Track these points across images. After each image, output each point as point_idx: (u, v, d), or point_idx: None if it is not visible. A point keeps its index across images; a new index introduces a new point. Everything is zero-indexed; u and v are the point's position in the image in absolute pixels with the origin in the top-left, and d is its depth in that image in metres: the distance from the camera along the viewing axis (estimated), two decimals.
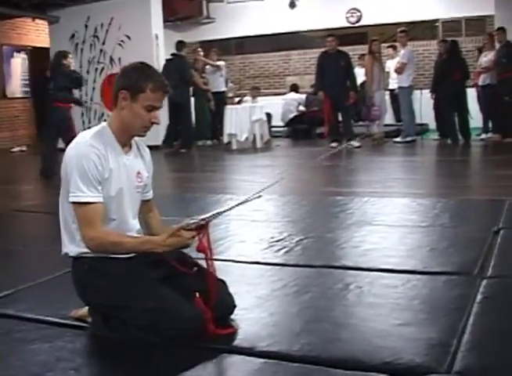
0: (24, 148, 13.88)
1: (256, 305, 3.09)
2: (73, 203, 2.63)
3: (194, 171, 9.94)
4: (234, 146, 11.79)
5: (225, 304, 2.81)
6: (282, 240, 4.38)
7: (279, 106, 13.98)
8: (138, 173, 2.85)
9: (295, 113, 13.88)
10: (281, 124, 14.16)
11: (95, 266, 2.71)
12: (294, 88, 14.24)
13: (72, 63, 9.33)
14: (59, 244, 2.84)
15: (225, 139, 12.09)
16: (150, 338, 2.59)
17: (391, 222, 4.90)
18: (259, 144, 11.95)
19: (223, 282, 2.88)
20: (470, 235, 4.41)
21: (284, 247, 4.18)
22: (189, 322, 2.56)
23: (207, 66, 13.20)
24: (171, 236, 2.59)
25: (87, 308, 2.90)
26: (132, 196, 2.83)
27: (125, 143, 2.80)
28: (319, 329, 2.75)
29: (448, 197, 6.00)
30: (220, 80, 13.27)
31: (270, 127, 13.27)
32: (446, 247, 4.11)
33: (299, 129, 13.84)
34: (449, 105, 11.01)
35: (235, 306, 2.86)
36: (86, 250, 2.71)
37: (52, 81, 9.12)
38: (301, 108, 13.92)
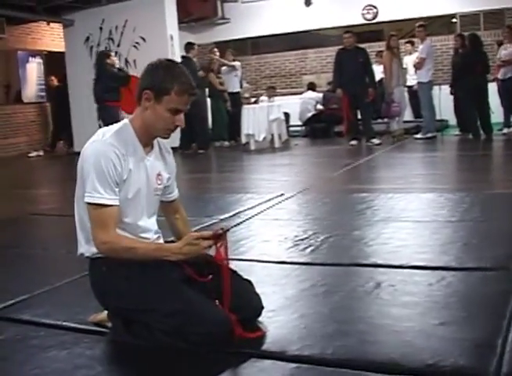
0: (41, 153, 13.82)
1: (284, 306, 2.93)
2: (88, 203, 2.48)
3: (212, 172, 9.81)
4: (252, 147, 11.64)
5: (252, 305, 2.65)
6: (307, 238, 4.21)
7: (297, 105, 13.84)
8: (159, 175, 2.70)
9: (313, 112, 13.72)
10: (299, 123, 13.99)
11: (113, 267, 2.54)
12: (312, 87, 14.08)
13: (116, 61, 9.60)
14: (76, 247, 2.71)
15: (243, 140, 11.94)
16: (175, 343, 2.44)
17: (419, 218, 4.73)
18: (277, 144, 11.80)
19: (249, 282, 2.73)
20: (503, 229, 4.26)
21: (310, 246, 4.01)
22: (217, 325, 2.40)
23: (223, 67, 13.06)
24: (188, 244, 2.45)
25: (106, 312, 2.74)
26: (150, 198, 2.68)
27: (147, 143, 2.65)
28: (353, 330, 2.58)
29: (474, 191, 5.81)
30: (235, 80, 13.13)
31: (288, 126, 13.12)
32: (479, 241, 3.95)
33: (317, 128, 13.69)
34: (470, 99, 10.79)
35: (262, 307, 2.69)
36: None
37: (98, 82, 9.36)
38: (319, 107, 13.76)
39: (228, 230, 2.53)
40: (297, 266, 3.60)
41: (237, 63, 13.29)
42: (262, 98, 13.22)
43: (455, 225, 4.46)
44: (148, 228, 2.68)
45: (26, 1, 12.23)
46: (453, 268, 3.38)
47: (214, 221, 4.98)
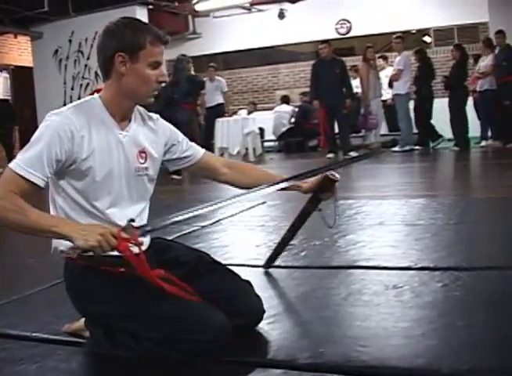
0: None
1: (286, 311, 2.62)
2: (9, 168, 2.06)
3: (187, 184, 9.44)
4: None
5: (253, 307, 2.31)
6: (298, 243, 3.88)
7: (270, 120, 13.57)
8: (141, 152, 2.31)
9: (288, 126, 13.46)
10: (272, 138, 13.72)
11: (92, 266, 2.18)
12: (286, 100, 13.85)
13: (192, 67, 9.80)
14: (45, 256, 2.34)
15: (217, 153, 11.61)
16: (167, 354, 2.07)
17: (414, 221, 4.45)
18: (252, 158, 11.50)
19: (248, 283, 2.39)
20: (504, 230, 4.01)
21: (303, 250, 3.70)
22: (217, 332, 2.04)
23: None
24: (101, 235, 1.92)
25: (83, 320, 2.37)
26: (130, 180, 2.28)
27: (123, 117, 2.27)
28: (369, 335, 2.25)
29: (466, 196, 5.58)
30: (217, 93, 12.74)
31: (262, 141, 12.85)
32: (484, 242, 3.82)
33: (292, 142, 13.43)
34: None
35: (264, 311, 2.35)
36: None
37: (176, 86, 9.53)
38: (293, 120, 13.51)
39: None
40: (293, 270, 3.27)
41: (221, 79, 12.91)
42: (241, 112, 12.90)
43: (455, 227, 4.20)
44: (128, 216, 2.18)
45: None
46: (465, 268, 3.09)
47: (196, 228, 4.66)
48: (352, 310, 2.57)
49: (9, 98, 12.72)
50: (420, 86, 11.14)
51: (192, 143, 2.54)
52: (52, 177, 2.17)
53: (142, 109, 2.38)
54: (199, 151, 2.53)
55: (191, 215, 2.15)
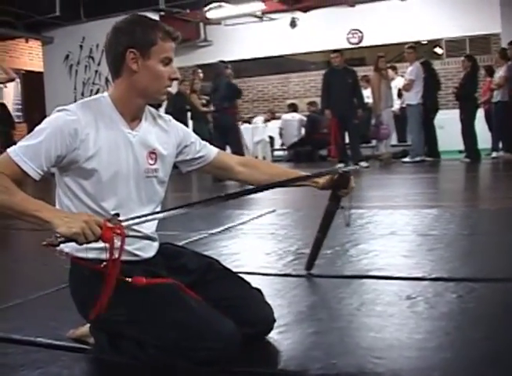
0: None
1: (296, 320, 2.52)
2: (7, 154, 1.99)
3: (198, 191, 9.39)
4: None
5: (263, 316, 2.23)
6: (309, 252, 3.80)
7: (279, 127, 13.50)
8: (151, 153, 2.23)
9: (299, 137, 13.35)
10: (281, 147, 13.64)
11: (98, 271, 2.10)
12: (294, 109, 13.77)
13: (231, 74, 10.16)
14: (50, 260, 2.27)
15: None
16: (174, 361, 1.99)
17: (426, 232, 4.37)
18: None
19: (259, 291, 2.31)
20: None
21: None
22: (226, 341, 1.96)
23: None
24: (85, 222, 1.81)
25: (88, 325, 2.29)
26: (140, 181, 2.21)
27: (133, 117, 2.20)
28: (383, 346, 2.17)
29: (478, 207, 5.49)
30: None
31: (272, 150, 12.79)
32: (499, 253, 3.70)
33: (301, 152, 13.33)
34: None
35: (275, 320, 2.27)
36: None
37: (216, 91, 10.02)
38: (303, 130, 13.43)
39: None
40: (304, 279, 3.19)
41: None
42: (256, 120, 12.83)
43: (468, 238, 4.14)
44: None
45: (4, 16, 11.85)
46: (480, 279, 3.01)
47: (204, 235, 4.59)
48: (366, 320, 2.49)
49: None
50: (425, 97, 11.04)
51: (206, 143, 2.47)
52: (57, 176, 2.12)
53: (153, 109, 2.32)
54: (212, 151, 2.46)
55: (174, 211, 2.06)
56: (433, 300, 2.70)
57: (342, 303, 2.74)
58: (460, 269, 3.26)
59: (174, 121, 2.40)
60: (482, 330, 2.30)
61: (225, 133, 9.97)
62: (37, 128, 2.05)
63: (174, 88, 11.90)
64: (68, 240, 1.82)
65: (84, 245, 1.88)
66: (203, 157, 2.43)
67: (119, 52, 2.13)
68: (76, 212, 2.03)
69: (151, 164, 2.23)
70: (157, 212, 2.20)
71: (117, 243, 1.90)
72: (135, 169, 2.19)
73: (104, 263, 1.99)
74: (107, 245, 1.88)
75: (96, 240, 1.85)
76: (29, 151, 1.99)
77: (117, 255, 1.91)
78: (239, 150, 10.15)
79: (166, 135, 2.31)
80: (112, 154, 2.12)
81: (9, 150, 2.00)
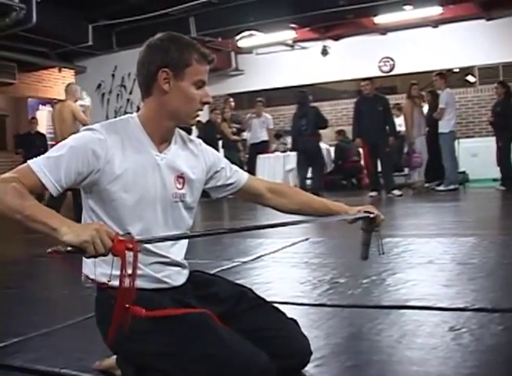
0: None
1: (333, 352, 2.39)
2: (28, 162, 1.90)
3: (230, 220, 9.30)
4: None
5: (299, 348, 2.09)
6: (345, 281, 3.69)
7: None
8: (179, 177, 2.14)
9: (331, 167, 13.22)
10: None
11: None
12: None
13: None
14: (80, 288, 2.19)
15: None
16: None
17: (465, 260, 4.19)
18: None
19: (294, 321, 2.18)
20: None
21: (350, 288, 3.49)
22: (260, 374, 1.84)
23: (248, 115, 12.72)
24: (95, 229, 1.68)
25: (115, 357, 2.19)
26: (167, 206, 2.10)
27: (161, 139, 2.11)
28: None
29: None
30: (262, 130, 12.68)
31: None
32: None
33: (332, 180, 13.18)
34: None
35: (311, 353, 2.14)
36: (113, 271, 2.00)
37: (304, 118, 10.81)
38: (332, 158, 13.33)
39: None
40: (339, 309, 3.06)
41: (268, 116, 12.86)
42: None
43: (509, 267, 3.95)
44: (162, 245, 2.05)
45: (38, 46, 12.00)
46: None
47: (236, 264, 4.49)
48: (407, 353, 2.34)
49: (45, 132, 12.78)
50: (431, 125, 11.01)
51: (237, 168, 2.37)
52: (83, 199, 2.03)
53: (183, 132, 2.22)
54: (243, 176, 2.36)
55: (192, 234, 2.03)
56: (478, 332, 2.55)
57: (381, 335, 2.60)
58: (504, 299, 3.11)
59: (204, 145, 2.31)
60: None
61: (309, 157, 10.89)
62: (61, 144, 1.97)
63: (204, 117, 11.93)
64: (76, 250, 1.67)
65: (109, 271, 1.79)
66: (234, 183, 2.34)
67: (151, 71, 2.04)
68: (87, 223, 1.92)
69: (179, 189, 2.14)
70: (177, 236, 2.08)
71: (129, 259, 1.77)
72: (163, 193, 2.09)
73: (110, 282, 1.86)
74: (119, 259, 1.75)
75: (106, 254, 1.70)
76: (49, 163, 1.91)
77: (129, 271, 1.77)
78: (321, 172, 11.29)
79: (195, 160, 2.21)
80: (138, 177, 2.03)
81: (30, 160, 1.92)
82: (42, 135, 12.93)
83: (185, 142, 2.21)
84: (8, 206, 1.76)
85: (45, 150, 2.18)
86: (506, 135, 10.53)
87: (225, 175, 2.32)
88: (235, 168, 2.37)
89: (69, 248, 1.66)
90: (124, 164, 1.99)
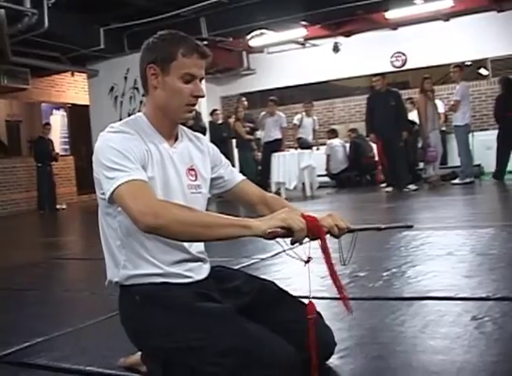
0: (64, 206, 13.43)
1: (357, 344, 2.40)
2: (112, 194, 1.91)
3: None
4: (283, 195, 11.14)
5: (323, 340, 2.06)
6: (365, 274, 3.69)
7: (324, 154, 13.38)
8: (191, 169, 2.16)
9: (347, 163, 13.21)
10: (325, 172, 13.47)
11: (149, 295, 2.02)
12: (336, 134, 13.66)
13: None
14: (100, 288, 2.20)
15: (273, 188, 11.46)
16: None
17: (485, 251, 4.18)
18: (309, 192, 11.29)
19: (318, 313, 2.18)
20: None
21: (371, 281, 3.49)
22: (287, 367, 1.83)
23: (262, 114, 12.70)
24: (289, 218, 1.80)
25: (140, 354, 2.21)
26: (186, 197, 2.12)
27: (168, 133, 2.13)
28: (456, 369, 2.02)
29: None
30: (276, 128, 12.65)
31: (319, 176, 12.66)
32: None
33: (348, 177, 13.17)
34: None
35: (335, 344, 2.14)
36: (135, 272, 2.04)
37: None
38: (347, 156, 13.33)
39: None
40: (361, 302, 3.06)
41: (281, 114, 12.84)
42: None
43: None
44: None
45: (50, 51, 12.06)
46: None
47: (255, 261, 4.50)
48: (432, 343, 2.34)
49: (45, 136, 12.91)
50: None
51: (233, 168, 2.38)
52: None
53: (185, 127, 2.24)
54: (237, 177, 2.36)
55: None
56: (501, 320, 2.55)
57: (404, 325, 2.60)
58: None
59: (206, 139, 2.33)
60: None
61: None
62: (98, 157, 1.96)
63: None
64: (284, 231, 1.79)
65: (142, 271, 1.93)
66: (226, 181, 2.33)
67: (143, 69, 2.09)
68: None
69: (192, 181, 2.16)
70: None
71: None
72: (180, 184, 2.12)
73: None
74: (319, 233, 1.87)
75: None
76: (120, 166, 1.92)
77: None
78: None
79: (201, 154, 2.25)
80: (161, 169, 2.06)
81: (109, 192, 1.92)
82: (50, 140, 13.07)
83: (190, 137, 2.25)
84: (186, 224, 1.82)
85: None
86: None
87: (222, 171, 2.32)
88: (231, 168, 2.37)
89: (278, 229, 1.77)
90: (152, 158, 2.04)
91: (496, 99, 11.26)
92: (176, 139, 2.18)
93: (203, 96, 2.10)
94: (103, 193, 2.00)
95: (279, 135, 12.54)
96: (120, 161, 1.92)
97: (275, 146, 12.24)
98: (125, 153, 1.94)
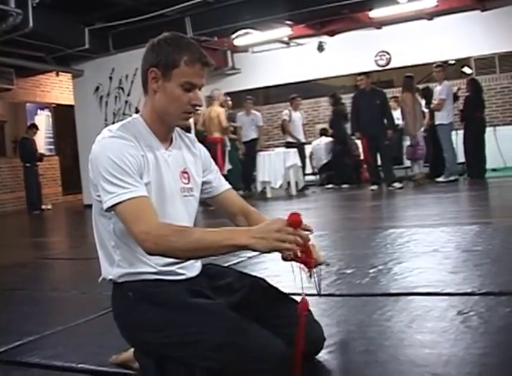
0: (50, 206, 13.40)
1: (346, 339, 2.44)
2: (112, 207, 1.96)
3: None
4: (269, 194, 11.21)
5: (313, 335, 2.11)
6: (352, 271, 3.73)
7: (310, 152, 13.45)
8: (184, 172, 2.20)
9: (327, 160, 13.24)
10: (312, 171, 13.54)
11: (142, 291, 2.05)
12: (324, 133, 13.70)
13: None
14: (89, 287, 2.22)
15: (259, 187, 11.51)
16: None
17: (470, 248, 4.23)
18: (294, 191, 11.35)
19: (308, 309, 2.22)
20: None
21: (357, 278, 3.54)
22: (278, 361, 1.87)
23: (239, 113, 12.73)
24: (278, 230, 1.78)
25: (131, 350, 2.23)
26: (180, 200, 2.16)
27: (164, 136, 2.17)
28: (442, 362, 2.07)
29: None
30: (252, 128, 12.72)
31: (305, 174, 12.70)
32: None
33: (333, 175, 13.20)
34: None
35: (325, 339, 2.18)
36: (129, 270, 2.08)
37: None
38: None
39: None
40: (349, 298, 3.11)
41: (257, 113, 12.89)
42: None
43: None
44: None
45: (35, 51, 12.03)
46: None
47: (242, 259, 4.52)
48: (418, 337, 2.38)
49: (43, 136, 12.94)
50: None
51: (220, 176, 2.41)
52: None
53: (179, 129, 2.27)
54: (224, 185, 2.40)
55: None
56: (486, 315, 2.59)
57: (391, 321, 2.64)
58: (511, 283, 3.14)
59: (198, 142, 2.36)
60: None
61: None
62: (97, 164, 1.99)
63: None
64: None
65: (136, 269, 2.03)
66: (213, 187, 2.36)
67: (144, 70, 2.11)
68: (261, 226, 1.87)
69: (185, 184, 2.19)
70: None
71: None
72: (175, 188, 2.15)
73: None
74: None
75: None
76: (120, 180, 1.95)
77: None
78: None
79: (194, 157, 2.28)
80: (157, 173, 2.09)
81: (109, 204, 1.95)
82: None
83: (182, 138, 2.28)
84: (192, 247, 1.86)
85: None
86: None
87: (210, 177, 2.35)
88: (219, 175, 2.40)
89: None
90: (148, 162, 2.06)
91: (464, 99, 11.39)
92: (171, 141, 2.20)
93: (201, 105, 2.13)
94: (99, 196, 2.02)
95: (254, 135, 12.59)
96: (120, 176, 1.95)
97: (251, 146, 12.32)
98: (123, 166, 1.96)
